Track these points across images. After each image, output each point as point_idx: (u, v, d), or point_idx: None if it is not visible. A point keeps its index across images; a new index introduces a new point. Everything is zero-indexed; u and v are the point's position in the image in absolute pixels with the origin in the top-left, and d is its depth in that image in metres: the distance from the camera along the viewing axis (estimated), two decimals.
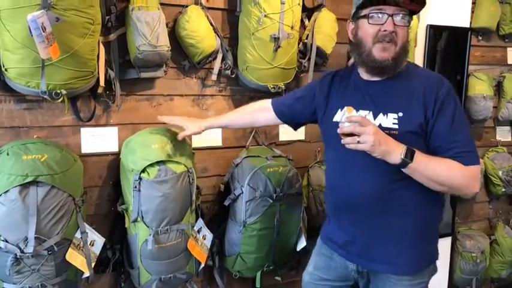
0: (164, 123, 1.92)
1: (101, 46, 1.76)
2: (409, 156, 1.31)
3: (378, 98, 1.44)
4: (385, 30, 1.36)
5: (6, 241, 1.50)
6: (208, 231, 1.99)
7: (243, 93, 2.17)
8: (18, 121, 1.76)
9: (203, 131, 1.82)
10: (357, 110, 1.42)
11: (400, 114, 1.39)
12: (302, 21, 2.16)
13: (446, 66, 2.66)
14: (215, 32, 2.00)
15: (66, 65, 1.56)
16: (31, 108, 1.77)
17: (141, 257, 1.79)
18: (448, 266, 2.88)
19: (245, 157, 2.07)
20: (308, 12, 2.21)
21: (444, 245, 2.80)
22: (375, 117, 1.42)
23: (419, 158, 1.32)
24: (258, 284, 2.11)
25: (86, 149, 1.88)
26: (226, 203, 2.03)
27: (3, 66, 1.56)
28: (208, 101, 2.10)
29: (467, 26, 2.68)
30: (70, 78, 1.59)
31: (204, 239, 1.96)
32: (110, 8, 1.78)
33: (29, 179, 1.51)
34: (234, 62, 2.07)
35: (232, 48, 2.07)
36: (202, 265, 1.97)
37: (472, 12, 2.70)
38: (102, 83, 1.75)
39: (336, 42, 2.25)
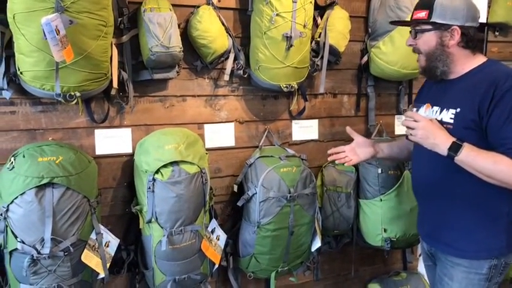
0: (177, 124, 1.91)
1: (114, 48, 1.77)
2: (455, 149, 1.41)
3: (445, 95, 1.55)
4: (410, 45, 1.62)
5: (23, 242, 1.52)
6: (222, 231, 1.98)
7: (255, 93, 2.16)
8: (34, 123, 1.78)
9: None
10: (432, 106, 1.58)
11: (458, 110, 1.48)
12: (314, 19, 2.14)
13: None
14: (227, 32, 1.99)
15: (80, 67, 1.57)
16: (46, 110, 1.79)
17: (155, 258, 1.79)
18: None
19: (258, 157, 2.06)
20: (320, 10, 2.19)
21: None
22: (441, 112, 1.53)
23: (467, 151, 1.40)
24: (272, 286, 2.09)
25: (100, 150, 1.89)
26: (240, 203, 2.02)
27: (19, 70, 1.58)
28: (220, 101, 2.10)
29: (484, 21, 2.62)
30: (84, 80, 1.60)
31: (218, 239, 1.95)
32: (122, 10, 1.79)
33: (44, 181, 1.53)
34: (246, 61, 2.06)
35: (244, 48, 2.07)
36: (216, 266, 1.96)
37: (489, 7, 2.65)
38: (115, 84, 1.76)
39: (349, 40, 2.23)
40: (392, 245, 2.19)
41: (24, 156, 1.58)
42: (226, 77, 2.02)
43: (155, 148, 1.77)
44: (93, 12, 1.54)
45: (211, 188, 1.91)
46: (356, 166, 2.28)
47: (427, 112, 1.59)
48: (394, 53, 2.16)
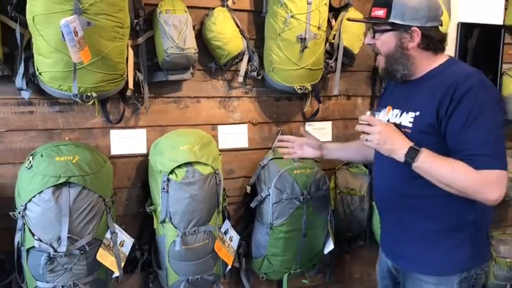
0: (191, 125, 1.91)
1: (130, 49, 1.79)
2: (412, 155, 1.31)
3: (406, 97, 1.45)
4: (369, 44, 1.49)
5: (40, 240, 1.55)
6: (235, 232, 1.99)
7: (269, 94, 2.16)
8: (51, 123, 1.81)
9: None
10: (393, 109, 1.47)
11: (417, 113, 1.38)
12: (329, 21, 2.13)
13: (478, 65, 2.51)
14: (241, 34, 2.00)
15: (97, 68, 1.59)
16: (63, 111, 1.82)
17: (169, 258, 1.80)
18: None
19: (271, 159, 2.06)
20: (335, 11, 2.19)
21: None
22: (401, 115, 1.43)
23: (424, 158, 1.30)
24: (284, 287, 2.09)
25: (115, 150, 1.91)
26: (253, 204, 2.02)
27: (37, 70, 1.61)
28: (234, 102, 2.11)
29: (501, 23, 2.59)
30: (100, 81, 1.62)
31: (231, 240, 1.96)
32: (138, 12, 1.81)
33: (61, 180, 1.55)
34: (260, 63, 2.06)
35: (258, 50, 2.07)
36: (229, 267, 1.97)
37: (506, 9, 2.60)
38: (131, 85, 1.78)
39: (363, 42, 2.22)
40: None
41: (42, 156, 1.61)
42: (240, 79, 2.03)
43: (170, 149, 1.78)
44: (110, 14, 1.56)
45: (224, 189, 1.92)
46: (370, 169, 2.26)
47: (388, 116, 1.48)
48: None
